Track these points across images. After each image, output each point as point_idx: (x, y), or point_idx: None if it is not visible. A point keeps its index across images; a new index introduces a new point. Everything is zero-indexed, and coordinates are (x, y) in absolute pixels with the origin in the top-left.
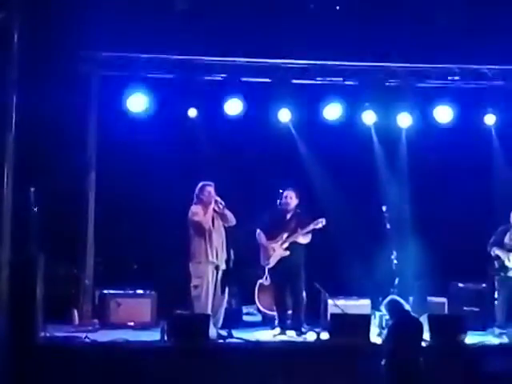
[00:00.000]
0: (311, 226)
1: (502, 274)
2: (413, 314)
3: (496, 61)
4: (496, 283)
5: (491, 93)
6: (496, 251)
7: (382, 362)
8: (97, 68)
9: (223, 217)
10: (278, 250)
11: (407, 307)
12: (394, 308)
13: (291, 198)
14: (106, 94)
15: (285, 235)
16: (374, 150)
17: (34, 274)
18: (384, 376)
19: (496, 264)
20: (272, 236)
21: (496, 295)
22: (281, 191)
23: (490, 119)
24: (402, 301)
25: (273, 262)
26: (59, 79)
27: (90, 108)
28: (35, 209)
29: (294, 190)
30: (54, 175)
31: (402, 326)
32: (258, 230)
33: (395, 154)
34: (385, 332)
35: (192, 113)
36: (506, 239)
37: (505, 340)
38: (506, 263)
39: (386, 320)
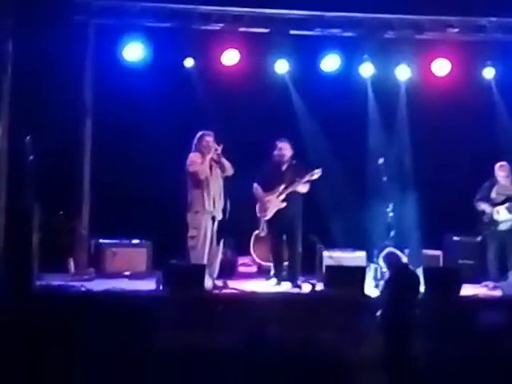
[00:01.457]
0: (307, 177)
1: (492, 228)
2: (410, 266)
3: (495, 13)
4: (486, 237)
5: (490, 46)
6: (482, 206)
7: (378, 313)
8: (92, 16)
9: (221, 166)
10: (274, 202)
11: (405, 260)
12: (392, 260)
13: (286, 149)
14: (101, 42)
15: (281, 187)
16: (369, 102)
17: (30, 222)
18: (379, 327)
19: (484, 219)
20: (269, 188)
21: (487, 249)
22: (276, 143)
23: (489, 72)
24: (399, 253)
25: (270, 213)
26: (55, 27)
27: (86, 56)
28: (31, 157)
29: (288, 141)
30: (49, 124)
31: (400, 278)
32: (255, 184)
33: (393, 106)
34: (382, 284)
35: (189, 63)
36: (493, 194)
37: (498, 293)
38: (495, 217)
39: (382, 272)
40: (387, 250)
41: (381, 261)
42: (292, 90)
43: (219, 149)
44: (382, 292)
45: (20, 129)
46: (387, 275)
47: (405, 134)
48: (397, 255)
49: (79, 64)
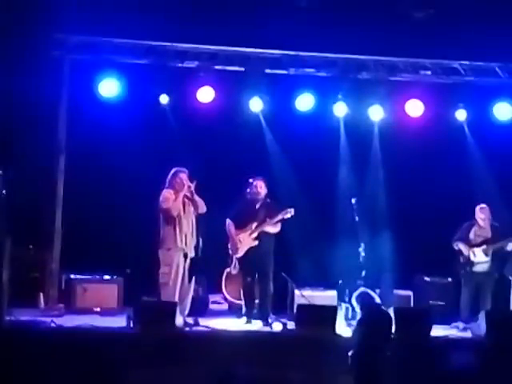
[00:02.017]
0: (280, 216)
1: (468, 268)
2: (383, 307)
3: (467, 56)
4: (461, 278)
5: (462, 88)
6: (460, 246)
7: (350, 353)
8: (68, 52)
9: (194, 203)
10: (246, 240)
11: (378, 300)
12: (365, 300)
13: (261, 188)
14: (77, 78)
15: (254, 225)
16: (342, 142)
17: (1, 257)
18: (350, 367)
19: (461, 259)
20: (241, 225)
21: (462, 290)
22: (250, 180)
23: (461, 114)
24: (373, 294)
25: (241, 251)
26: (30, 62)
27: (61, 92)
28: (3, 191)
29: (263, 180)
30: (23, 158)
31: (372, 318)
32: (228, 220)
33: (366, 146)
34: (353, 323)
35: (164, 99)
36: (471, 235)
37: (469, 334)
38: (472, 258)
39: (353, 312)
40: (360, 289)
41: (354, 300)
42: (266, 128)
43: (192, 186)
44: (353, 332)
45: None
46: (359, 315)
47: (378, 173)
48: (370, 295)
49: (54, 99)
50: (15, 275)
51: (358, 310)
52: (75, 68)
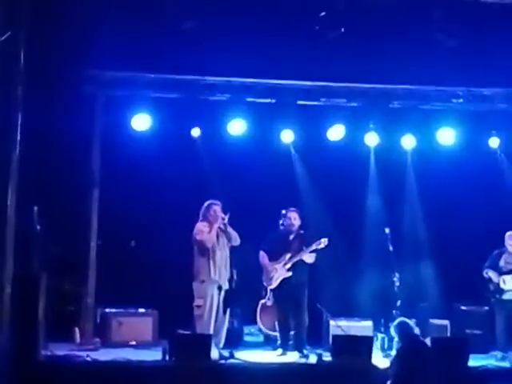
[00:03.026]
0: (313, 246)
1: (498, 296)
2: (420, 337)
3: (499, 83)
4: (494, 307)
5: (495, 115)
6: (489, 273)
7: (388, 383)
8: (101, 87)
9: (228, 236)
10: (280, 271)
11: (417, 331)
12: (404, 331)
13: (295, 219)
14: (110, 113)
15: (288, 256)
16: (372, 171)
17: (37, 291)
18: None
19: (491, 287)
20: (275, 257)
21: (495, 318)
22: (283, 212)
23: (494, 142)
24: (411, 324)
25: (275, 282)
26: (64, 98)
27: (95, 126)
28: (38, 227)
29: (296, 211)
30: (57, 194)
31: (411, 349)
32: (262, 252)
33: (398, 175)
34: (391, 353)
35: (195, 132)
36: (502, 262)
37: (507, 364)
38: (501, 285)
39: (389, 342)
40: (399, 319)
41: (392, 330)
42: (297, 159)
43: (226, 218)
44: (392, 362)
45: (28, 199)
46: (396, 345)
47: (411, 203)
48: (408, 325)
49: (87, 134)
50: (51, 310)
51: (396, 339)
52: (108, 103)
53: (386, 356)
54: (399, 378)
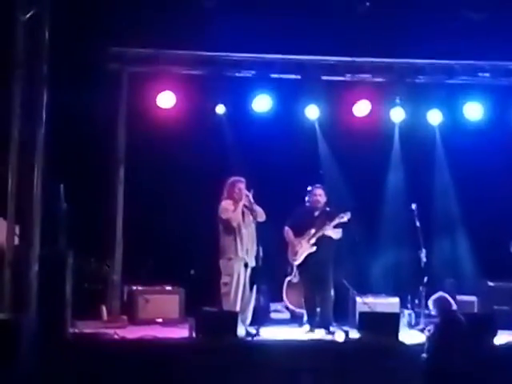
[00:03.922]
0: (336, 220)
1: None
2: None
3: None
4: None
5: None
6: None
7: (424, 355)
8: (126, 65)
9: (253, 213)
10: (305, 246)
11: (455, 307)
12: (442, 306)
13: (321, 196)
14: (135, 90)
15: (312, 231)
16: (396, 147)
17: (63, 269)
18: (423, 370)
19: None
20: (300, 232)
21: None
22: (309, 188)
23: None
24: (451, 300)
25: (300, 258)
26: (89, 76)
27: (119, 104)
28: (64, 205)
29: (322, 188)
30: (83, 171)
31: (448, 325)
32: (286, 227)
33: (424, 151)
34: (431, 328)
35: (220, 109)
36: None
37: None
38: None
39: (416, 318)
40: (438, 294)
41: (430, 304)
42: (322, 136)
43: (250, 195)
44: (429, 337)
45: (54, 177)
46: (431, 321)
47: (438, 178)
48: (448, 300)
49: (113, 112)
50: (78, 288)
51: (433, 313)
52: (133, 80)
53: (423, 330)
54: (436, 352)
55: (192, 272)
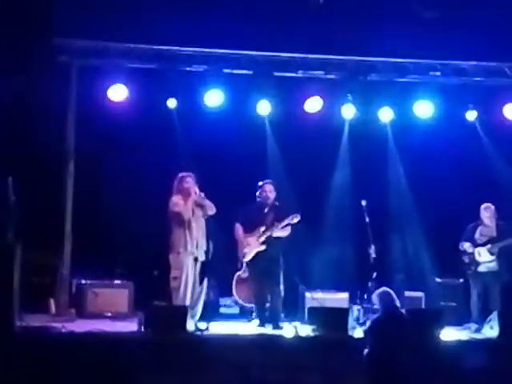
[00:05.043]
0: (286, 221)
1: (473, 268)
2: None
3: (477, 57)
4: (469, 279)
5: (472, 89)
6: (464, 245)
7: (365, 351)
8: (75, 57)
9: (203, 207)
10: (254, 244)
11: (398, 303)
12: (385, 300)
13: (271, 192)
14: (84, 83)
15: (262, 229)
16: (344, 144)
17: (11, 263)
18: (365, 366)
19: (466, 259)
20: (250, 229)
21: (471, 291)
22: (260, 184)
23: (471, 115)
24: (394, 295)
25: (250, 255)
26: (37, 68)
27: (69, 97)
28: (13, 197)
29: (272, 183)
30: (32, 164)
31: (388, 320)
32: (237, 224)
33: (374, 148)
34: (369, 322)
35: (171, 103)
36: (477, 235)
37: (480, 336)
38: (477, 258)
39: (365, 314)
40: (383, 288)
41: (374, 297)
42: (273, 131)
43: (200, 193)
44: (367, 330)
45: (2, 169)
46: (374, 315)
47: (388, 175)
48: (390, 295)
49: (62, 105)
50: (26, 281)
51: (376, 306)
52: (83, 73)
53: (361, 327)
54: (376, 346)
55: (155, 272)
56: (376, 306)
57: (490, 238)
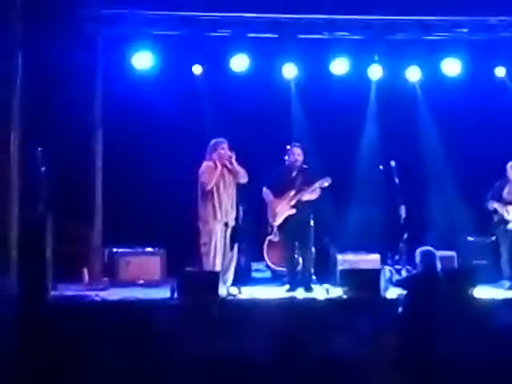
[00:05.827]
0: (316, 185)
1: (502, 227)
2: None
3: (503, 12)
4: (498, 237)
5: (500, 45)
6: (494, 205)
7: (399, 310)
8: (101, 26)
9: (236, 174)
10: (284, 208)
11: (439, 265)
12: (426, 259)
13: (298, 155)
14: (111, 51)
15: (291, 193)
16: (372, 105)
17: (43, 232)
18: (398, 327)
19: (495, 218)
20: (279, 193)
21: (500, 249)
22: (288, 147)
23: (500, 71)
24: (437, 256)
25: (279, 219)
26: (64, 37)
27: (96, 66)
28: (43, 168)
29: (300, 146)
30: (61, 134)
31: (425, 279)
32: (265, 188)
33: (403, 108)
34: (405, 272)
35: (197, 69)
36: (505, 193)
37: None
38: (506, 216)
39: (397, 274)
40: (427, 247)
41: (417, 252)
42: (300, 94)
43: (233, 156)
44: (405, 283)
45: (31, 140)
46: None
47: (417, 135)
48: (434, 256)
49: (89, 74)
50: (58, 251)
51: (417, 260)
52: (108, 41)
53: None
54: (410, 305)
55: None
56: (417, 261)
57: None
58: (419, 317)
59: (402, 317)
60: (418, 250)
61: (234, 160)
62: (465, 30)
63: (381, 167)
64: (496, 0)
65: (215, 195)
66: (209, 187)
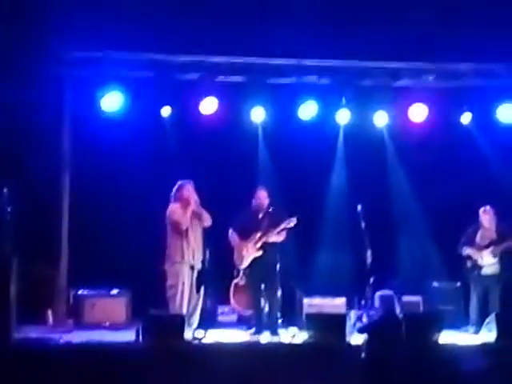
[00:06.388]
0: (282, 225)
1: (476, 272)
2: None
3: (470, 59)
4: (470, 283)
5: (467, 91)
6: (467, 251)
7: (362, 355)
8: (69, 67)
9: (200, 217)
10: (250, 250)
11: (398, 311)
12: (384, 304)
13: (264, 197)
14: (79, 93)
15: (258, 235)
16: (340, 150)
17: (8, 274)
18: (363, 372)
19: (468, 264)
20: (245, 236)
21: (471, 294)
22: (255, 190)
23: (466, 118)
24: (396, 301)
25: (246, 262)
26: (32, 79)
27: (64, 106)
28: (9, 209)
29: (265, 189)
30: (27, 175)
31: (386, 324)
32: (231, 230)
33: (370, 153)
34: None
35: (165, 112)
36: (478, 239)
37: (479, 339)
38: (480, 262)
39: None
40: (388, 292)
41: (376, 296)
42: (268, 138)
43: (197, 199)
44: (366, 330)
45: None
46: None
47: (384, 179)
48: (393, 301)
49: (57, 114)
50: (23, 292)
51: (376, 305)
52: (77, 83)
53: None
54: (373, 351)
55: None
56: (376, 305)
57: (491, 240)
58: (379, 362)
59: (363, 362)
60: (377, 295)
61: (198, 203)
62: (431, 77)
63: (359, 207)
64: (463, 47)
65: (183, 236)
66: (184, 227)
